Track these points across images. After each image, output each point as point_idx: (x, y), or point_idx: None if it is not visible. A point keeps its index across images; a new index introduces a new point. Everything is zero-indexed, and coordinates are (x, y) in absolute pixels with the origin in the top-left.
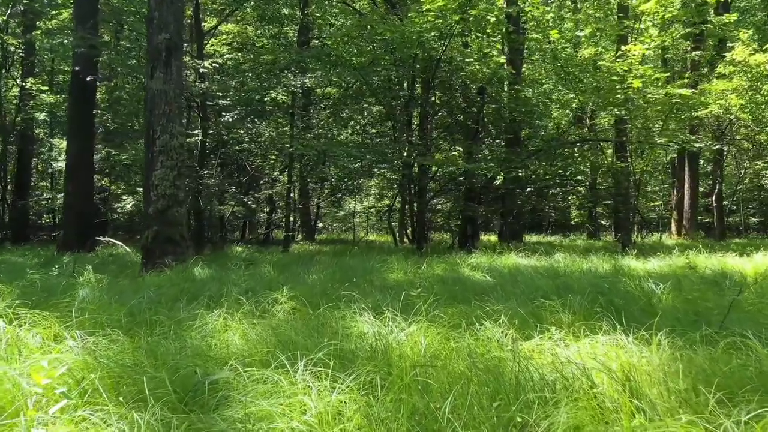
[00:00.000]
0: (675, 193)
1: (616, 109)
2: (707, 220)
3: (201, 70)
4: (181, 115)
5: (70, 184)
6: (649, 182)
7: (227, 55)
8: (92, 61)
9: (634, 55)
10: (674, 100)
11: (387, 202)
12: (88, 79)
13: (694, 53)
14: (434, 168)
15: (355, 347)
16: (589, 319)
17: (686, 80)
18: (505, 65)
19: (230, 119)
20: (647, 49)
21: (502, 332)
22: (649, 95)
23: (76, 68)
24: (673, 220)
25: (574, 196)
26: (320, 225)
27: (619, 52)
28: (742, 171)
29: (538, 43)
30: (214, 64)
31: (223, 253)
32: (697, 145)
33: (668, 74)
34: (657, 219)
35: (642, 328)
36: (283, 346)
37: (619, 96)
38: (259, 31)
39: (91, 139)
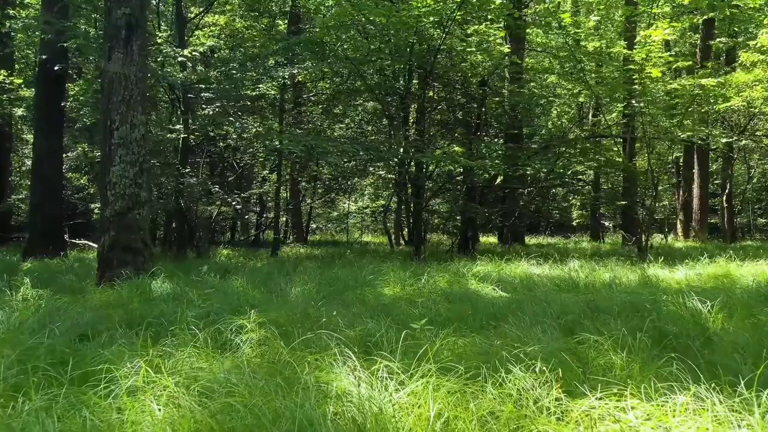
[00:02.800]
0: (681, 193)
1: (634, 101)
2: (713, 221)
3: (179, 58)
4: (144, 102)
5: (37, 183)
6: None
7: (208, 43)
8: (61, 49)
9: (654, 41)
10: (695, 92)
11: (382, 202)
12: (56, 68)
13: (717, 41)
14: (432, 167)
15: (333, 419)
16: (647, 361)
17: (709, 70)
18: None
19: (211, 112)
20: (668, 35)
21: (537, 382)
22: (670, 85)
23: (43, 57)
24: (678, 222)
25: (580, 196)
26: (314, 226)
27: (638, 38)
28: (751, 170)
29: (547, 26)
30: (194, 53)
31: (205, 258)
32: (723, 140)
33: (691, 63)
34: (661, 220)
35: (718, 370)
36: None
37: (636, 87)
38: (248, 23)
39: (60, 135)
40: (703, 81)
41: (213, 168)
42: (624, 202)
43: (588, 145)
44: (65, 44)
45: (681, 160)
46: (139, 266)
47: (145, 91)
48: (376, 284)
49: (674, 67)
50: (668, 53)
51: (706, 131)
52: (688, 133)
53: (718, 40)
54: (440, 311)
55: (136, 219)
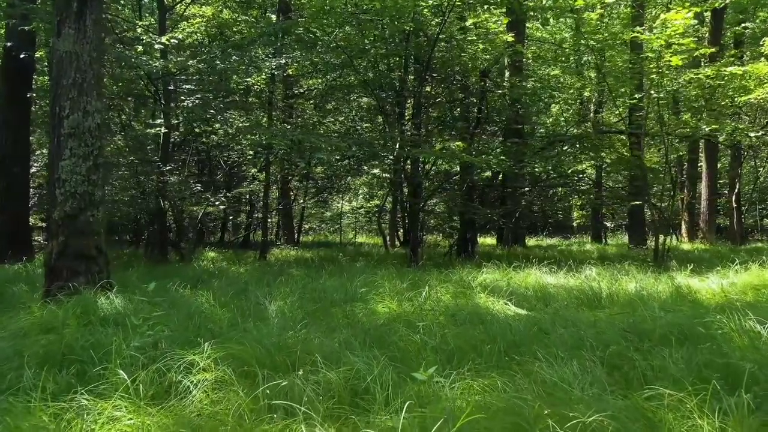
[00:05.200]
0: (686, 193)
1: (653, 91)
2: (718, 221)
3: (156, 45)
4: (100, 86)
5: (1, 181)
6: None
7: (188, 29)
8: (28, 36)
9: (674, 24)
10: (717, 83)
11: (377, 202)
12: (21, 56)
13: (740, 26)
14: (428, 165)
15: None
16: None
17: (732, 59)
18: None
19: (190, 104)
20: (689, 18)
21: None
22: (692, 74)
23: (8, 44)
24: (683, 222)
25: (582, 196)
26: (307, 226)
27: (656, 22)
28: (759, 169)
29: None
30: (173, 40)
31: (188, 262)
32: (752, 134)
33: (714, 50)
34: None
35: None
36: None
37: (654, 77)
38: (236, 15)
39: (27, 128)
40: (729, 70)
41: (203, 166)
42: (638, 202)
43: (598, 140)
44: (27, 29)
45: (687, 158)
46: (92, 277)
47: (102, 74)
48: (368, 299)
49: (695, 54)
50: (689, 39)
51: (732, 125)
52: (713, 127)
53: (742, 25)
54: (446, 337)
55: (90, 222)
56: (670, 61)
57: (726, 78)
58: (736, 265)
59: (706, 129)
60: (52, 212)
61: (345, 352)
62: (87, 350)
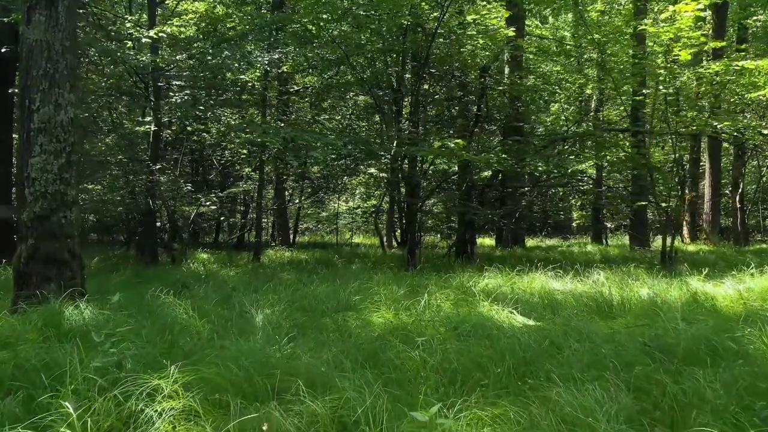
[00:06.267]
0: (688, 192)
1: (662, 86)
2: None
3: (144, 39)
4: (74, 77)
5: None
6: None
7: (176, 23)
8: (10, 29)
9: (684, 17)
10: (727, 78)
11: (374, 202)
12: (2, 50)
13: (751, 20)
14: (426, 164)
15: None
16: None
17: (742, 52)
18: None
19: (178, 100)
20: (699, 11)
21: None
22: (702, 69)
23: None
24: (684, 223)
25: (583, 196)
26: (304, 226)
27: (663, 16)
28: (763, 168)
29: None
30: (161, 34)
31: (179, 264)
32: (765, 132)
33: (725, 44)
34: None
35: None
36: None
37: (661, 71)
38: (230, 10)
39: (9, 127)
40: (741, 63)
41: (198, 166)
42: (644, 203)
43: (603, 138)
44: (7, 20)
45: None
46: (66, 282)
47: (75, 65)
48: (362, 308)
49: (704, 49)
50: (698, 32)
51: (744, 122)
52: (725, 123)
53: (753, 18)
54: (448, 353)
55: (62, 223)
56: (678, 55)
57: (736, 73)
58: (751, 268)
59: (718, 126)
60: (21, 213)
61: (334, 374)
62: (42, 369)
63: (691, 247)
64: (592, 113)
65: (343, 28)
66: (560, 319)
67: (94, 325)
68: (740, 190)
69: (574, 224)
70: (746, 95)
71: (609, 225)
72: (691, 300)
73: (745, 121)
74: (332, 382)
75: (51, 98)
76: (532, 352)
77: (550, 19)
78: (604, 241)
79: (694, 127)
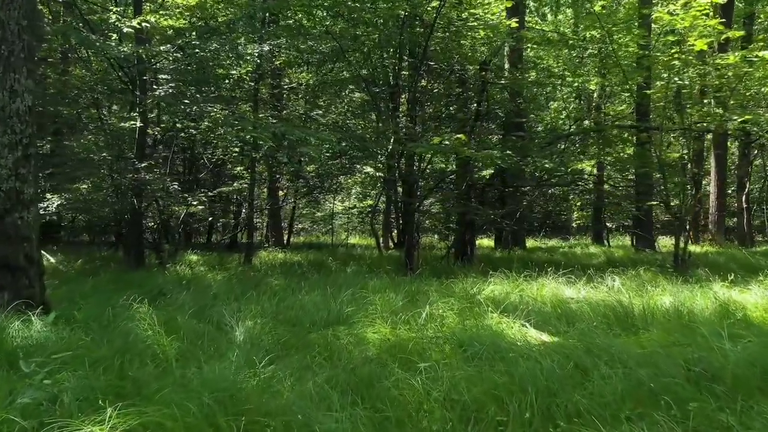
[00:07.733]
0: (692, 191)
1: (677, 78)
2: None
3: (125, 29)
4: (32, 61)
5: None
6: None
7: (162, 13)
8: None
9: (699, 3)
10: (744, 70)
11: (370, 202)
12: None
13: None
14: (424, 163)
15: None
16: None
17: (762, 43)
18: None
19: (162, 93)
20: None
21: None
22: (720, 60)
23: None
24: (687, 223)
25: (588, 196)
26: (299, 227)
27: (681, 0)
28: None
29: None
30: (144, 24)
31: (165, 266)
32: None
33: (742, 33)
34: (665, 222)
35: None
36: None
37: (676, 63)
38: (221, 5)
39: None
40: (762, 54)
41: (191, 165)
42: (653, 202)
43: (611, 134)
44: None
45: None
46: (21, 291)
47: (33, 47)
48: (355, 321)
49: (724, 38)
50: (715, 20)
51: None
52: (746, 117)
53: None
54: (457, 382)
55: (18, 225)
56: (694, 45)
57: (754, 65)
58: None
59: (737, 120)
60: None
61: (318, 413)
62: None
63: (697, 249)
64: (593, 112)
65: (338, 23)
66: (578, 333)
67: (39, 345)
68: (746, 190)
69: (573, 224)
70: (762, 88)
71: (610, 225)
72: (721, 310)
73: (767, 115)
74: (315, 422)
75: (5, 84)
76: (556, 378)
77: (549, 17)
78: (605, 241)
79: (709, 122)
